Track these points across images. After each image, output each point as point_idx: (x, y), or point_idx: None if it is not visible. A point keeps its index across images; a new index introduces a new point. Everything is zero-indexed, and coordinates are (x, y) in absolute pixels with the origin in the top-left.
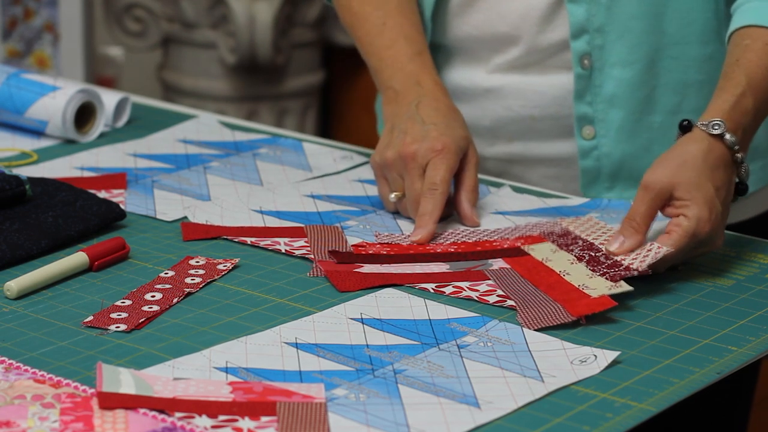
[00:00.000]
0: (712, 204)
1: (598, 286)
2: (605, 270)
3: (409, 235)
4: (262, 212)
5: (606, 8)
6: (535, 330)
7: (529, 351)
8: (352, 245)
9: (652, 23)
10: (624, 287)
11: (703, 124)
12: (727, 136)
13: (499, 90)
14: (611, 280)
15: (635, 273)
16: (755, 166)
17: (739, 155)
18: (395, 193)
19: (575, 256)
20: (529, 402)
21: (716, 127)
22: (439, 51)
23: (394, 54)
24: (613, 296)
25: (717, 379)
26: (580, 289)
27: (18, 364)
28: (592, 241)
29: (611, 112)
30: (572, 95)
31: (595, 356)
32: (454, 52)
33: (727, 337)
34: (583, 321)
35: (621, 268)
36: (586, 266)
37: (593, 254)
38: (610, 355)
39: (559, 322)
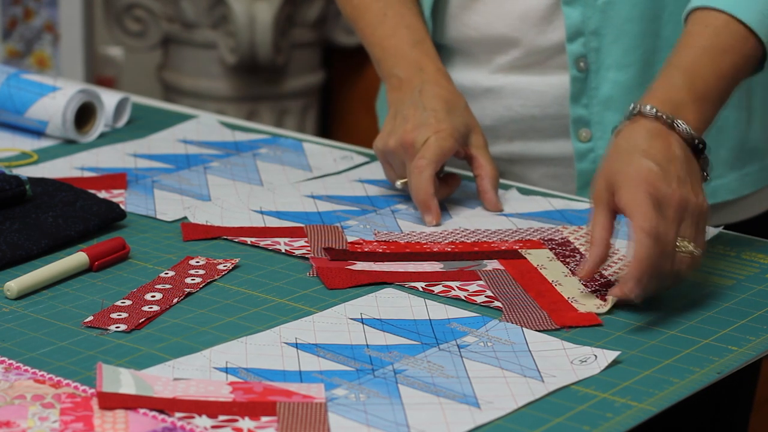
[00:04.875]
0: (640, 166)
1: (587, 303)
2: (597, 287)
3: (409, 233)
4: (262, 212)
5: (601, 11)
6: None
7: (529, 351)
8: (349, 243)
9: (648, 26)
10: (611, 303)
11: (623, 119)
12: (642, 108)
13: (500, 90)
14: (601, 299)
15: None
16: (753, 168)
17: (665, 117)
18: (401, 180)
19: (570, 269)
20: (529, 402)
21: (629, 112)
22: (440, 51)
23: (396, 42)
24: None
25: (717, 379)
26: (569, 301)
27: (18, 364)
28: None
29: (607, 115)
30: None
31: (595, 356)
32: (455, 53)
33: (727, 337)
34: (567, 331)
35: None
36: (579, 281)
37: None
38: (610, 355)
39: (541, 329)
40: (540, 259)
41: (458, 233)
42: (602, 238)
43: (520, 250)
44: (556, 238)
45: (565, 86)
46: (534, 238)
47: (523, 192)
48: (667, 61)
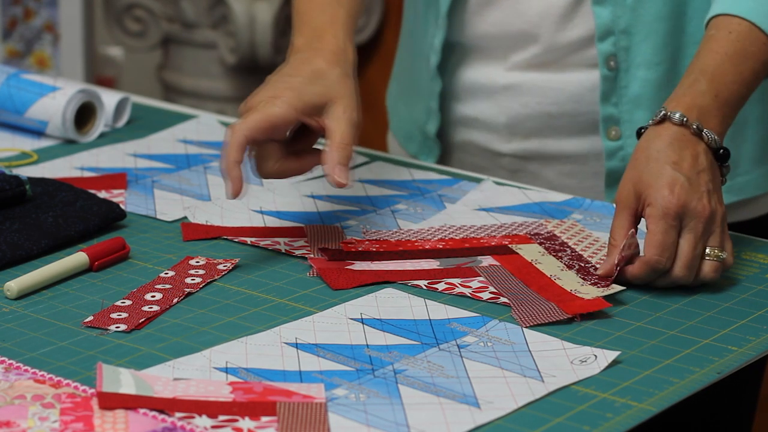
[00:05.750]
0: (672, 180)
1: (591, 291)
2: (596, 280)
3: (398, 231)
4: (262, 212)
5: (631, 10)
6: (529, 327)
7: (529, 351)
8: (341, 242)
9: (676, 24)
10: (616, 288)
11: (650, 121)
12: (671, 115)
13: (517, 87)
14: (603, 288)
15: (617, 268)
16: (762, 171)
17: (694, 126)
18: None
19: (565, 264)
20: (529, 402)
21: (658, 115)
22: (457, 48)
23: (309, 8)
24: (608, 297)
25: (717, 379)
26: (573, 293)
27: (18, 364)
28: (580, 252)
29: (637, 113)
30: (590, 93)
31: (595, 356)
32: (472, 50)
33: (727, 337)
34: (578, 319)
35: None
36: (577, 274)
37: (583, 264)
38: (610, 355)
39: (553, 320)
40: (532, 254)
41: (446, 230)
42: (623, 239)
43: (510, 245)
44: (542, 233)
45: (583, 84)
46: (520, 233)
47: (498, 184)
48: (691, 65)
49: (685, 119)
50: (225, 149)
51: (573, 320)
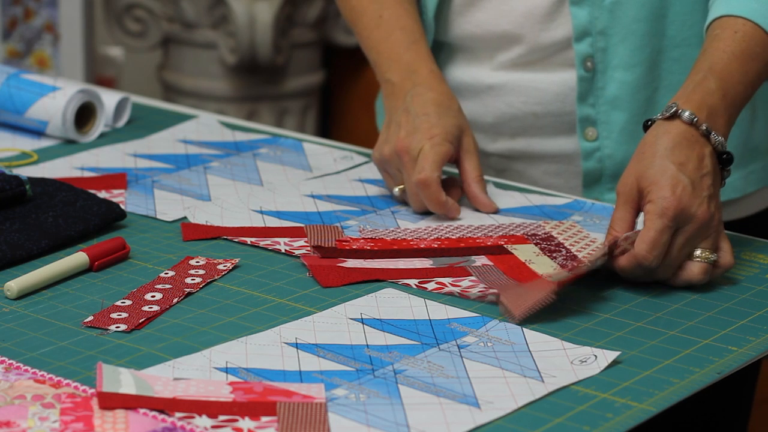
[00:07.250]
0: (675, 180)
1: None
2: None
3: (394, 230)
4: (262, 212)
5: (609, 11)
6: (521, 317)
7: (529, 351)
8: (336, 240)
9: (655, 26)
10: (597, 254)
11: (659, 115)
12: (682, 113)
13: (502, 87)
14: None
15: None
16: (757, 166)
17: (703, 127)
18: (398, 187)
19: (558, 264)
20: (529, 402)
21: (669, 110)
22: (442, 49)
23: (390, 46)
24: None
25: (717, 379)
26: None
27: (18, 364)
28: (575, 252)
29: (614, 114)
30: (574, 93)
31: (595, 356)
32: (457, 50)
33: (727, 337)
34: (565, 284)
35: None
36: (569, 273)
37: (576, 264)
38: (610, 355)
39: (541, 296)
40: (527, 254)
41: (442, 229)
42: (623, 230)
43: (505, 246)
44: (539, 233)
45: (567, 84)
46: (517, 233)
47: (499, 187)
48: (698, 62)
49: (695, 119)
50: (428, 193)
51: (577, 323)
